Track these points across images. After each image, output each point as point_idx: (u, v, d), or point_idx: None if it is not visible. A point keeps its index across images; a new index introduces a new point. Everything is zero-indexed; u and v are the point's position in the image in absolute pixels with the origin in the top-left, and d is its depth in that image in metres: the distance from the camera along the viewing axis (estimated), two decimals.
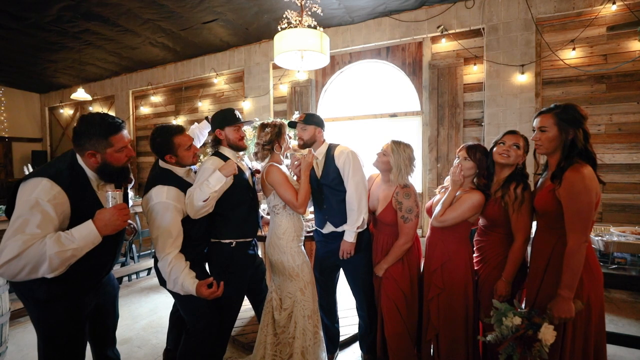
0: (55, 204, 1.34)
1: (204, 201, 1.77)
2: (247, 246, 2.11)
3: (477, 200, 1.87)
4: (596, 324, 1.59)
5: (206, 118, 2.49)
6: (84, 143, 1.46)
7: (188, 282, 1.68)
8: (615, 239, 2.13)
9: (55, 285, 1.46)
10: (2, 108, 8.04)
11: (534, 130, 1.72)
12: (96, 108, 7.91)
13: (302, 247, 2.15)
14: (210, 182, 1.79)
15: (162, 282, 1.94)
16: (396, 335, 2.09)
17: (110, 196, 1.41)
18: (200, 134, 2.51)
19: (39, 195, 1.32)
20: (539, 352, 1.48)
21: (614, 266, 2.05)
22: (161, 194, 1.75)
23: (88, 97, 5.98)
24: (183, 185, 1.86)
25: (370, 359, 2.37)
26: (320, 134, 2.18)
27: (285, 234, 2.06)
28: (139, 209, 4.57)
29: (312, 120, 2.15)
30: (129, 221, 1.80)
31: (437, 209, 1.97)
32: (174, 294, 1.95)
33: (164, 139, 1.87)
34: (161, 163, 1.93)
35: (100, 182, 1.56)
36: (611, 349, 2.13)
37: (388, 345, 2.13)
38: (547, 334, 1.48)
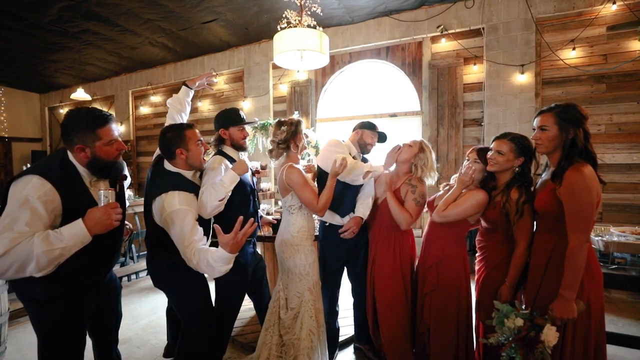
0: (45, 201, 1.33)
1: (220, 201, 1.80)
2: (248, 245, 2.12)
3: (481, 199, 1.86)
4: (596, 324, 1.59)
5: (184, 83, 2.40)
6: (72, 137, 1.45)
7: (218, 252, 1.52)
8: (615, 239, 2.13)
9: (55, 286, 1.45)
10: (2, 108, 8.03)
11: (534, 130, 1.71)
12: None
13: (313, 247, 2.17)
14: (225, 182, 1.82)
15: (157, 284, 1.93)
16: (392, 336, 2.11)
17: (102, 195, 1.39)
18: (181, 105, 2.34)
19: (29, 193, 1.31)
20: (541, 354, 1.47)
21: (614, 266, 2.05)
22: (174, 202, 1.69)
23: (88, 97, 5.98)
24: (193, 188, 1.83)
25: (370, 349, 2.42)
26: None
27: (299, 232, 2.06)
28: (139, 209, 4.56)
29: None
30: (126, 222, 1.79)
31: (439, 204, 1.97)
32: (168, 295, 1.94)
33: (175, 133, 1.82)
34: (167, 165, 1.85)
35: (93, 178, 1.54)
36: (611, 350, 2.13)
37: (384, 345, 2.14)
38: (550, 335, 1.46)
